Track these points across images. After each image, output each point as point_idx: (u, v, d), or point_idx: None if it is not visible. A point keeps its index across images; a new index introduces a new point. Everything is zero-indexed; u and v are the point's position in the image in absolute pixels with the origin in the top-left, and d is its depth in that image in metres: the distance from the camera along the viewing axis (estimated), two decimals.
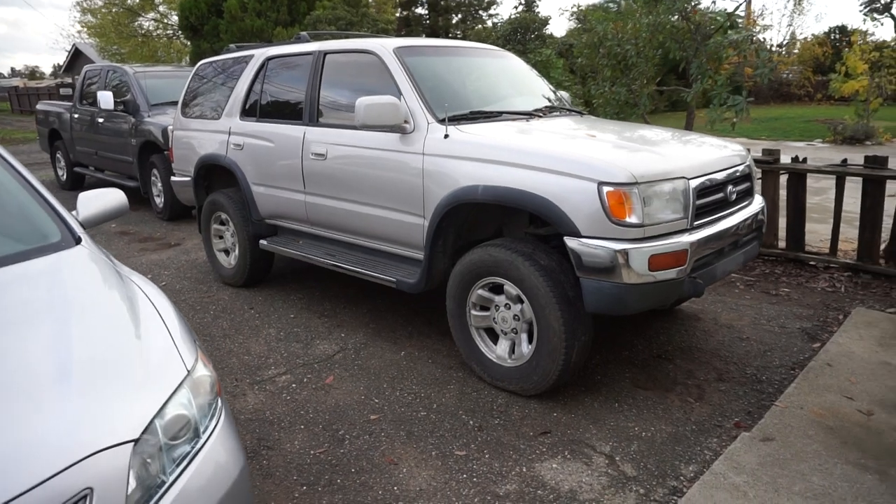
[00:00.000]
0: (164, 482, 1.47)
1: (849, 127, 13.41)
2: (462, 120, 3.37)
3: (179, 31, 21.80)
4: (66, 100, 10.29)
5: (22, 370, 1.55)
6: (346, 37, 4.69)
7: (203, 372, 1.77)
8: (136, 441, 1.45)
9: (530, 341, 2.99)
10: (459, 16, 33.27)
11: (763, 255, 5.02)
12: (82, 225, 2.45)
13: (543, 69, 7.15)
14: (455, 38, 28.13)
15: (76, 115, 8.74)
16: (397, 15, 28.57)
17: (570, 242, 2.74)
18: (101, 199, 2.60)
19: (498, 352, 3.14)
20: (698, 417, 2.87)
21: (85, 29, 26.43)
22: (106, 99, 7.41)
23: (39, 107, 10.24)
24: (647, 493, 2.36)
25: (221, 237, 4.93)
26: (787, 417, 2.75)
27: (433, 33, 30.43)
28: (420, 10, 32.79)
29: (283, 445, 2.72)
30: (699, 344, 3.65)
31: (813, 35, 27.29)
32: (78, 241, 2.29)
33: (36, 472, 1.28)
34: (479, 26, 31.35)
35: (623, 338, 3.73)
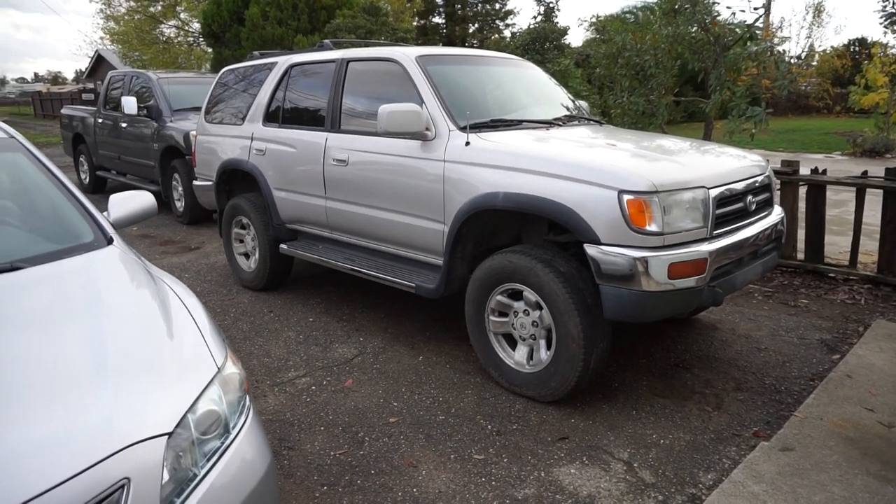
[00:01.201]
0: (195, 476, 1.51)
1: (868, 139, 13.29)
2: (483, 128, 3.41)
3: (201, 39, 22.12)
4: (89, 105, 10.50)
5: (59, 365, 1.61)
6: (367, 45, 4.77)
7: (232, 370, 1.81)
8: (170, 434, 1.49)
9: (549, 347, 3.01)
10: (476, 25, 33.45)
11: (782, 266, 4.99)
12: (113, 226, 2.52)
13: (562, 79, 7.18)
14: (472, 47, 28.29)
15: (100, 120, 8.91)
16: (415, 24, 28.80)
17: (590, 250, 2.76)
18: (132, 202, 2.67)
19: (516, 357, 3.16)
20: (716, 426, 2.87)
21: (108, 35, 26.88)
22: (130, 104, 7.55)
23: (64, 111, 10.45)
24: (665, 499, 2.36)
25: (242, 241, 5.01)
26: (807, 428, 2.74)
27: (450, 42, 30.62)
28: (437, 20, 33.02)
29: (304, 446, 2.76)
30: (717, 353, 3.65)
31: (832, 47, 27.12)
32: (110, 241, 2.35)
33: (77, 462, 1.33)
34: (496, 36, 31.49)
35: (640, 346, 3.73)
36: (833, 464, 2.49)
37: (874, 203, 4.72)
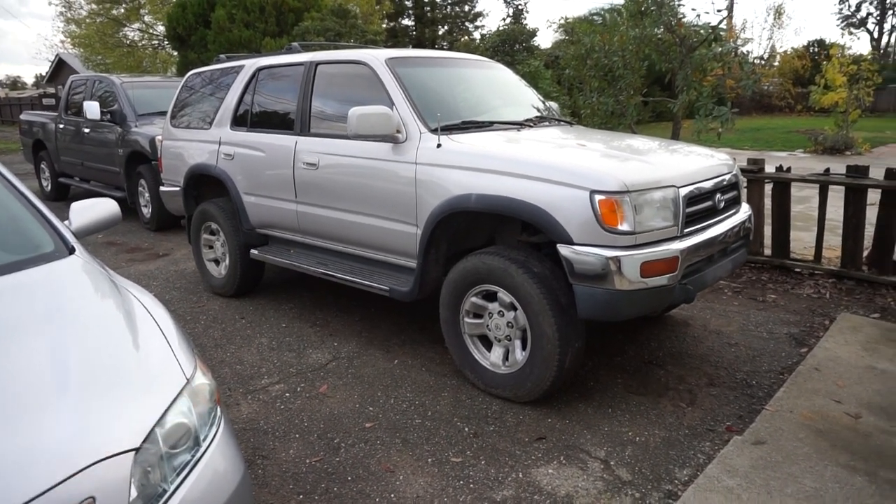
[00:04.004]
0: (164, 491, 1.47)
1: (829, 137, 13.67)
2: (454, 130, 3.40)
3: (166, 42, 21.73)
4: (50, 110, 10.23)
5: (20, 381, 1.55)
6: (337, 47, 4.72)
7: (202, 380, 1.77)
8: (137, 450, 1.44)
9: (524, 348, 3.01)
10: (446, 27, 33.51)
11: (750, 262, 5.09)
12: (75, 235, 2.44)
13: (531, 80, 7.23)
14: (441, 49, 28.31)
15: (61, 126, 8.67)
16: (384, 26, 28.71)
17: (563, 250, 2.77)
18: (94, 209, 2.59)
19: (492, 359, 3.16)
20: (690, 422, 2.90)
21: (69, 39, 26.25)
22: (92, 109, 7.36)
23: (23, 117, 10.15)
24: (642, 496, 2.38)
25: (211, 247, 4.91)
26: (778, 421, 2.79)
27: (419, 44, 30.60)
28: (407, 22, 33.00)
29: (279, 454, 2.71)
30: (689, 350, 3.70)
31: (792, 48, 27.83)
32: (71, 250, 2.28)
33: (39, 482, 1.28)
34: (466, 38, 31.60)
35: (614, 344, 3.76)
36: (804, 456, 2.53)
37: (836, 199, 4.84)
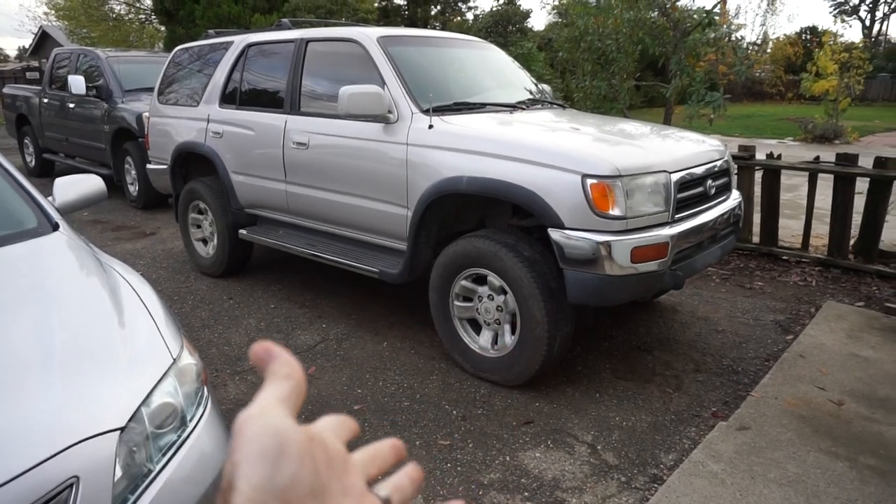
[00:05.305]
0: (150, 471, 1.46)
1: (819, 126, 13.72)
2: (446, 111, 3.37)
3: (153, 16, 21.30)
4: (34, 84, 10.04)
5: (3, 358, 1.52)
6: (327, 25, 4.64)
7: (189, 360, 1.75)
8: (122, 429, 1.43)
9: (513, 332, 3.01)
10: (438, 7, 33.09)
11: (738, 249, 5.11)
12: (59, 211, 2.40)
13: (524, 62, 7.18)
14: (434, 29, 27.97)
15: (45, 100, 8.50)
16: (376, 5, 28.33)
17: (554, 234, 2.76)
18: (79, 185, 2.54)
19: (481, 342, 3.16)
20: (677, 407, 2.93)
21: (53, 11, 25.63)
22: (77, 84, 7.21)
23: (6, 90, 9.94)
24: (628, 480, 2.40)
25: (199, 226, 4.86)
26: (762, 407, 2.82)
27: (412, 24, 30.23)
28: (399, 1, 32.53)
29: None
30: (677, 336, 3.72)
31: (785, 35, 27.82)
32: (55, 227, 2.24)
33: (21, 460, 1.26)
34: (459, 18, 31.27)
35: (603, 329, 3.78)
36: (787, 441, 2.56)
37: (825, 188, 4.86)
